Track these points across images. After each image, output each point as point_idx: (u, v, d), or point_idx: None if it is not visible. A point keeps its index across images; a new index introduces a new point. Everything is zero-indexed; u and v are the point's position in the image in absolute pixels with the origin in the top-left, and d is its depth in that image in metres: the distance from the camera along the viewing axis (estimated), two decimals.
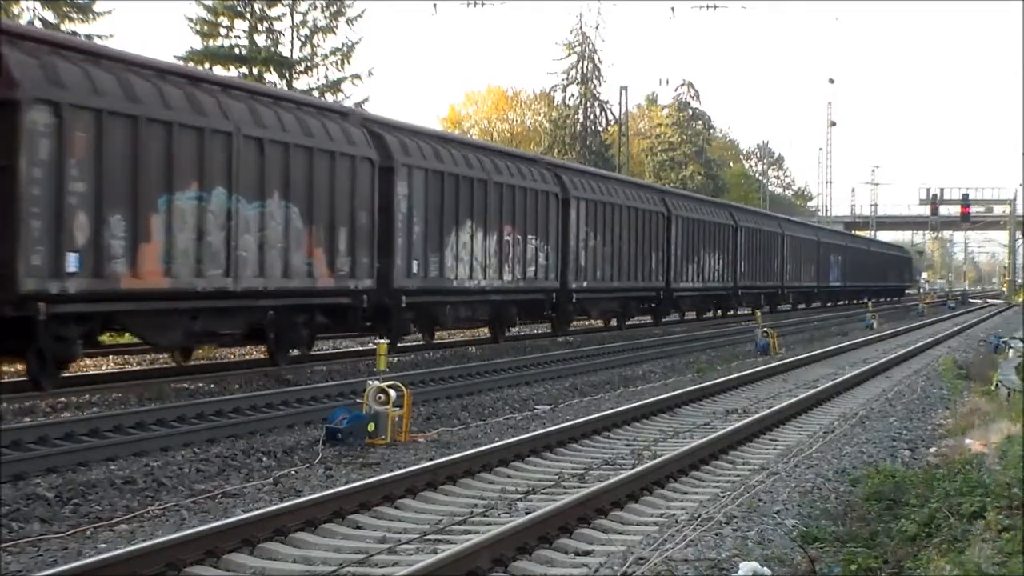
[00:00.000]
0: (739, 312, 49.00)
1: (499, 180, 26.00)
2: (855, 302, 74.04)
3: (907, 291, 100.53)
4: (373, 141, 21.12)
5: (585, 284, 30.74)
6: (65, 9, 37.70)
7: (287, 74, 45.66)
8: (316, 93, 44.82)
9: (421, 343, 26.30)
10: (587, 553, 8.11)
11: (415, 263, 22.38)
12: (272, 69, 45.44)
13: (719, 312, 46.82)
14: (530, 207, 27.72)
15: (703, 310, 44.42)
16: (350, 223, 20.13)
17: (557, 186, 29.48)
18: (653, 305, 37.96)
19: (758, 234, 48.10)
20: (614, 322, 36.35)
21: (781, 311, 54.82)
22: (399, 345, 22.98)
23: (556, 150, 71.60)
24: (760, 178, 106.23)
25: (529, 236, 27.72)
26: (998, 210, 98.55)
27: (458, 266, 24.11)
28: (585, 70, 76.24)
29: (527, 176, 27.82)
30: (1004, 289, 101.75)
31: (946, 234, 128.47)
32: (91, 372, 18.61)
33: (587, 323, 36.82)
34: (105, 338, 18.24)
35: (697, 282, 39.99)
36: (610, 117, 76.75)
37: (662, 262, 36.48)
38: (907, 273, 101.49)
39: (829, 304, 67.36)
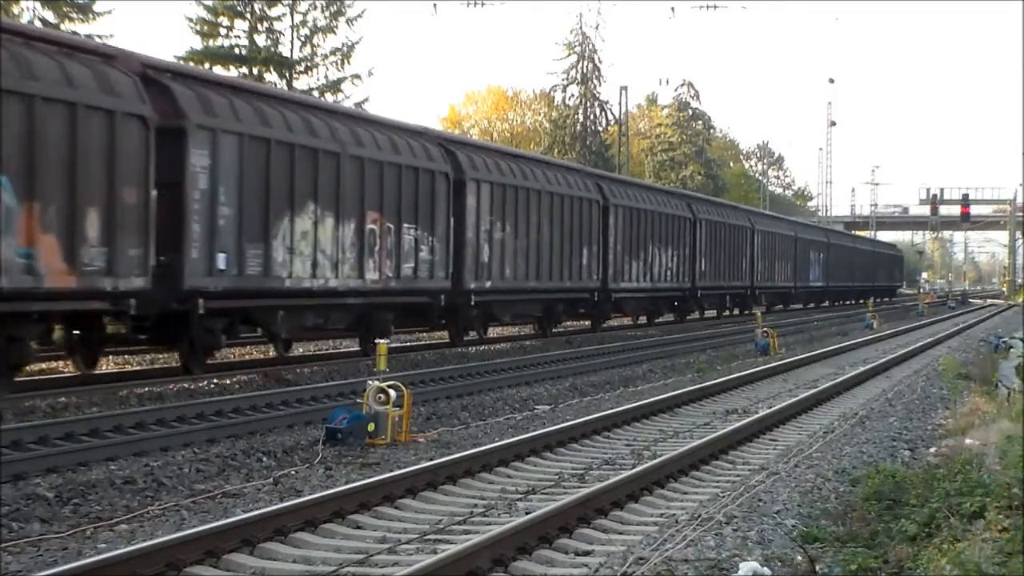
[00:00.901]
0: (703, 316, 44.86)
1: (358, 154, 20.61)
2: (839, 304, 70.31)
3: (899, 291, 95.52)
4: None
5: (489, 284, 25.05)
6: (65, 9, 37.74)
7: (287, 74, 45.70)
8: (316, 93, 44.86)
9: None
10: (587, 553, 8.10)
11: (221, 256, 17.40)
12: (272, 69, 45.51)
13: (678, 316, 41.34)
14: (407, 190, 22.12)
15: (654, 313, 39.40)
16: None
17: (448, 164, 23.84)
18: (593, 307, 32.56)
19: (723, 228, 42.92)
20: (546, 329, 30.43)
21: (764, 314, 51.83)
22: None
23: (556, 150, 71.64)
24: (760, 178, 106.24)
25: (406, 225, 22.16)
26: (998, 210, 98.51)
27: (293, 261, 19.01)
28: (585, 70, 76.28)
29: (404, 151, 22.29)
30: (1004, 289, 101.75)
31: (946, 234, 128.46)
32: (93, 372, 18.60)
33: (504, 330, 32.30)
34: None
35: (644, 281, 35.02)
36: (610, 117, 76.84)
37: (597, 258, 30.94)
38: (898, 272, 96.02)
39: (811, 305, 63.45)
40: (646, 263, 35.21)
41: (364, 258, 20.92)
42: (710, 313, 46.50)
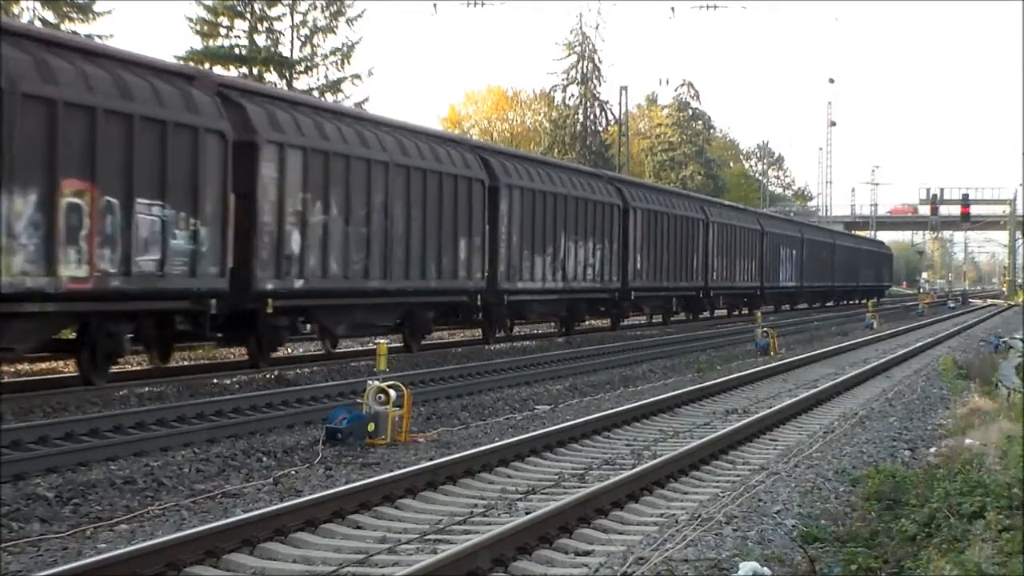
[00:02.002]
0: (635, 322, 40.27)
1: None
2: (817, 306, 63.92)
3: (888, 292, 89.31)
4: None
5: (301, 285, 18.92)
6: (65, 9, 37.72)
7: (287, 74, 45.68)
8: (316, 93, 44.85)
9: None
10: (587, 553, 8.10)
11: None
12: (272, 69, 45.48)
13: (610, 321, 35.71)
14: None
15: (569, 319, 31.93)
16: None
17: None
18: (475, 314, 26.14)
19: (666, 219, 36.44)
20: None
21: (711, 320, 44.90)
22: None
23: (556, 150, 71.65)
24: (760, 178, 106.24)
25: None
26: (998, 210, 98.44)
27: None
28: (585, 70, 76.28)
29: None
30: (1004, 289, 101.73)
31: (946, 234, 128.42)
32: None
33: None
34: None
35: (551, 281, 28.26)
36: (610, 117, 76.84)
37: (481, 252, 24.87)
38: (887, 271, 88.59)
39: (785, 308, 57.14)
40: (554, 259, 28.45)
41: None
42: (692, 316, 43.00)
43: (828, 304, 67.02)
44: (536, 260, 27.28)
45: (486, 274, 24.88)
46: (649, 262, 34.77)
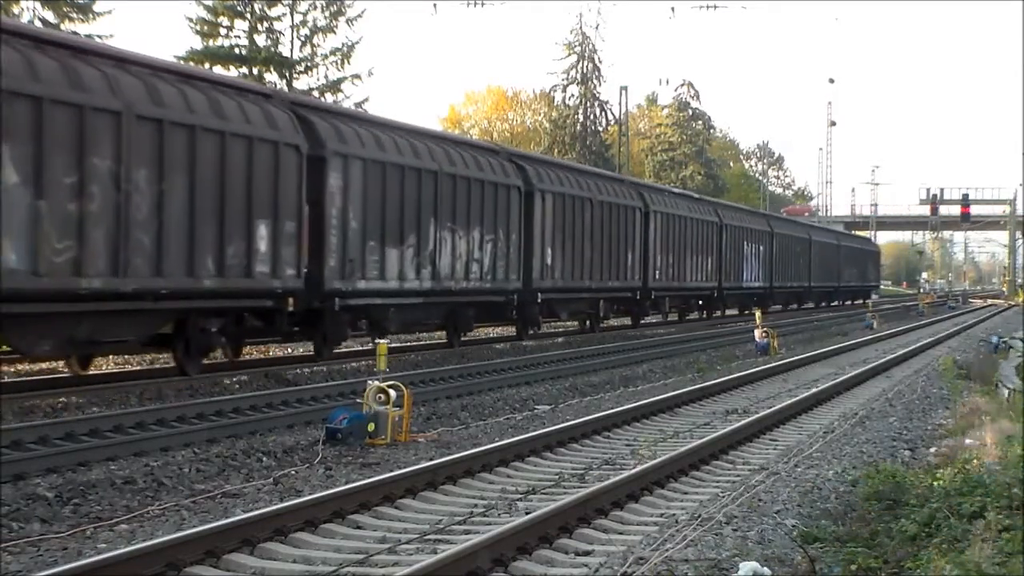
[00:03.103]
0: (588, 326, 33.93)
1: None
2: (793, 308, 57.96)
3: (873, 294, 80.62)
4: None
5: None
6: (65, 9, 37.74)
7: (287, 74, 45.70)
8: (316, 93, 44.86)
9: None
10: (587, 553, 8.10)
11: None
12: (272, 69, 45.51)
13: (505, 331, 30.98)
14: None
15: (452, 327, 25.80)
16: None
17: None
18: (283, 323, 19.19)
19: (588, 206, 30.61)
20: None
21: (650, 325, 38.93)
22: None
23: (556, 150, 71.66)
24: (760, 178, 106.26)
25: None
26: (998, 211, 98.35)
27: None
28: (585, 70, 76.34)
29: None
30: (1004, 289, 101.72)
31: (946, 234, 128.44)
32: (92, 372, 18.60)
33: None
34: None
35: (411, 280, 22.37)
36: (610, 117, 76.90)
37: (295, 241, 18.61)
38: (873, 270, 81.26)
39: (748, 312, 46.12)
40: (417, 252, 22.62)
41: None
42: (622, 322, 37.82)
43: (806, 307, 60.67)
44: (389, 254, 21.65)
45: (305, 270, 19.05)
46: (564, 258, 29.47)
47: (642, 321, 38.64)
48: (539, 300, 28.26)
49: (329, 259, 19.74)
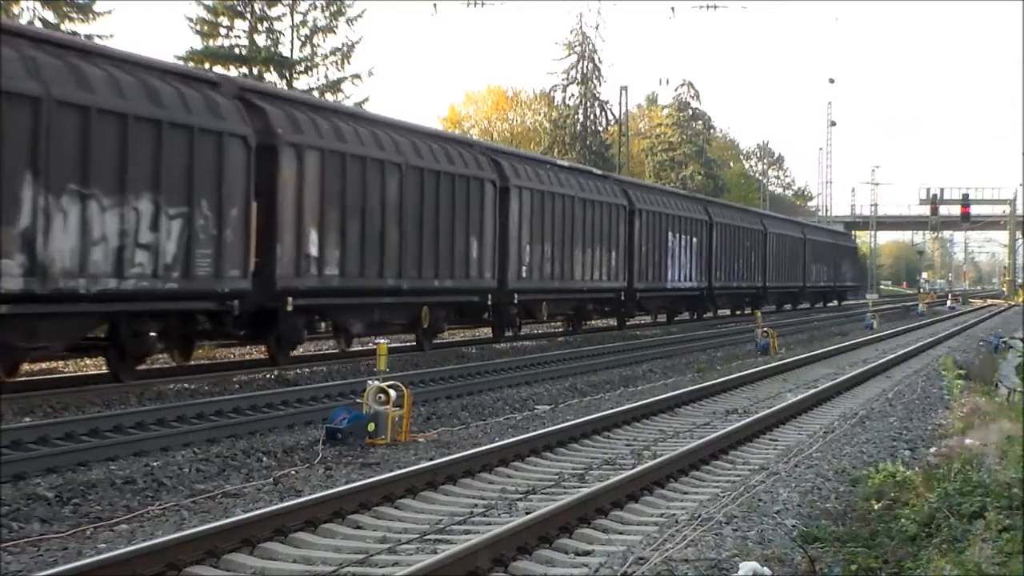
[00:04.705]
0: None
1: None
2: (740, 314, 48.47)
3: (851, 295, 73.16)
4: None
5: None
6: (65, 9, 37.72)
7: (287, 74, 45.69)
8: (316, 93, 44.84)
9: None
10: (587, 553, 8.10)
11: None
12: (272, 69, 45.48)
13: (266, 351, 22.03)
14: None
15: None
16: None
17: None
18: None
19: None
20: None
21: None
22: None
23: (556, 150, 71.62)
24: (760, 178, 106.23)
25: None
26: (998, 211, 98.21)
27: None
28: (585, 70, 76.28)
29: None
30: (1004, 289, 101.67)
31: (946, 234, 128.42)
32: (92, 372, 18.60)
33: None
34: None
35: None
36: (610, 117, 76.83)
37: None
38: (849, 269, 71.91)
39: (686, 317, 42.72)
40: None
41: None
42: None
43: (764, 311, 46.97)
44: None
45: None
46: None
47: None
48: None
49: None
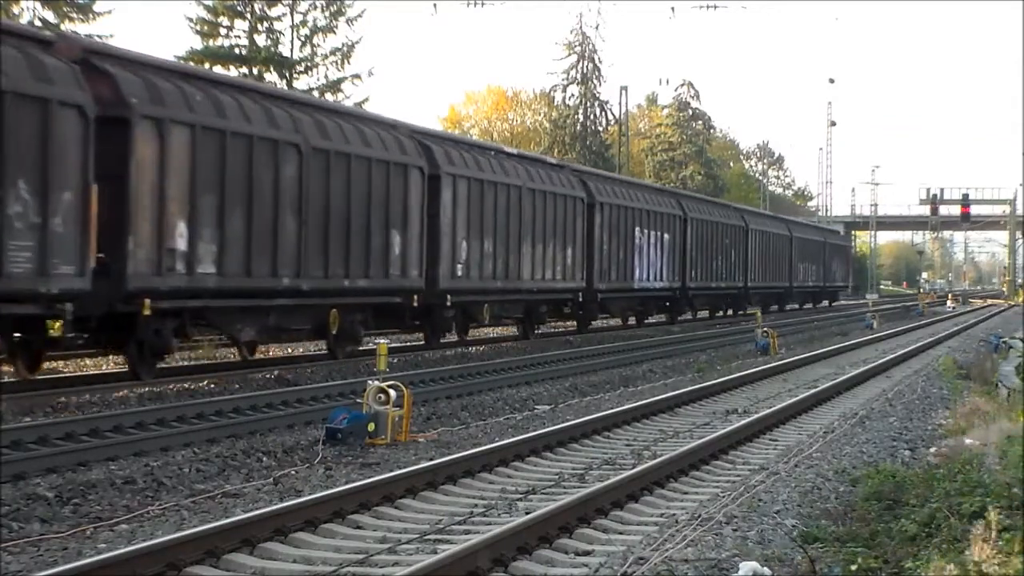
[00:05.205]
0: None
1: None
2: (721, 315, 46.82)
3: (841, 295, 70.10)
4: None
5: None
6: (65, 9, 37.74)
7: (287, 74, 45.71)
8: (316, 93, 44.85)
9: None
10: (587, 553, 8.10)
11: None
12: (272, 69, 45.51)
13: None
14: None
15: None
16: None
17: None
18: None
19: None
20: None
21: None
22: None
23: (556, 150, 71.63)
24: (760, 178, 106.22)
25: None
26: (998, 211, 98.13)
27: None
28: (585, 70, 76.31)
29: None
30: (1004, 289, 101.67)
31: (946, 234, 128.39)
32: (93, 372, 18.61)
33: None
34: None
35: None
36: (610, 117, 76.87)
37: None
38: (841, 268, 68.68)
39: (656, 319, 40.16)
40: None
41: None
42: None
43: (744, 312, 47.17)
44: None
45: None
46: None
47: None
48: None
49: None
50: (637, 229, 35.19)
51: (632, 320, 39.18)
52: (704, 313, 46.85)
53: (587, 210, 31.48)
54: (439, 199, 23.42)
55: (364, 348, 22.16)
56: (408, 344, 26.60)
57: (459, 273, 24.43)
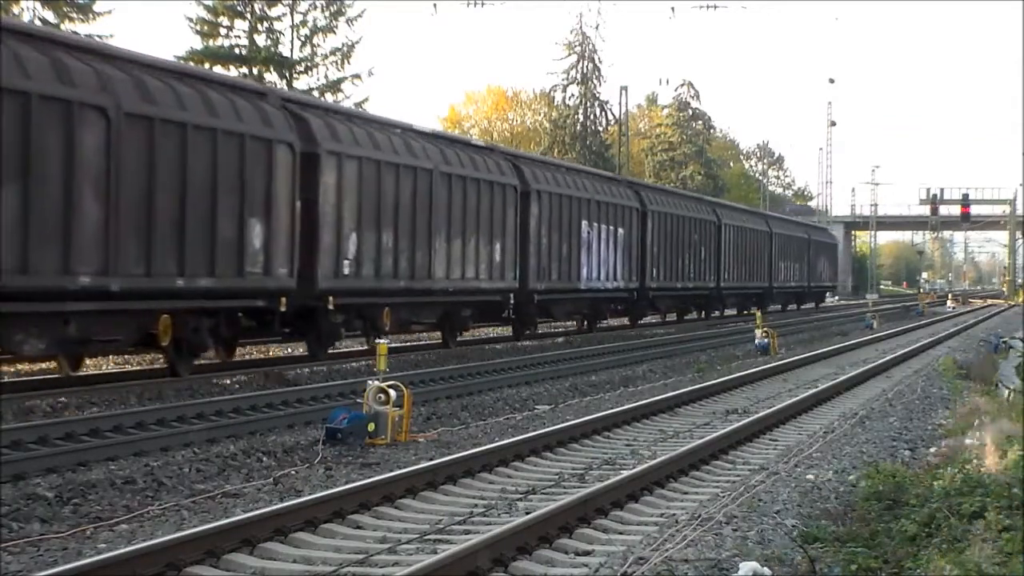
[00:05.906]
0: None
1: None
2: (695, 318, 43.57)
3: (828, 296, 67.17)
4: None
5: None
6: (65, 9, 37.75)
7: (287, 74, 45.72)
8: (316, 93, 44.86)
9: None
10: (587, 553, 8.10)
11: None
12: (272, 69, 45.53)
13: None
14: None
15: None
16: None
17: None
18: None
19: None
20: None
21: None
22: None
23: (556, 150, 71.68)
24: (760, 178, 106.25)
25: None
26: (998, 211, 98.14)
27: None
28: (585, 70, 76.36)
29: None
30: (1004, 289, 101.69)
31: (946, 234, 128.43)
32: (93, 372, 18.61)
33: None
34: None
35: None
36: (610, 117, 76.90)
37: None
38: (829, 267, 65.13)
39: (611, 322, 37.22)
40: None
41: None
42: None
43: (717, 314, 45.43)
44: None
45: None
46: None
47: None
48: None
49: None
50: (584, 222, 31.43)
51: (586, 324, 35.11)
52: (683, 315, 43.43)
53: (520, 199, 27.60)
54: (318, 182, 19.70)
55: (364, 348, 22.07)
56: (408, 344, 26.65)
57: (346, 271, 20.64)
